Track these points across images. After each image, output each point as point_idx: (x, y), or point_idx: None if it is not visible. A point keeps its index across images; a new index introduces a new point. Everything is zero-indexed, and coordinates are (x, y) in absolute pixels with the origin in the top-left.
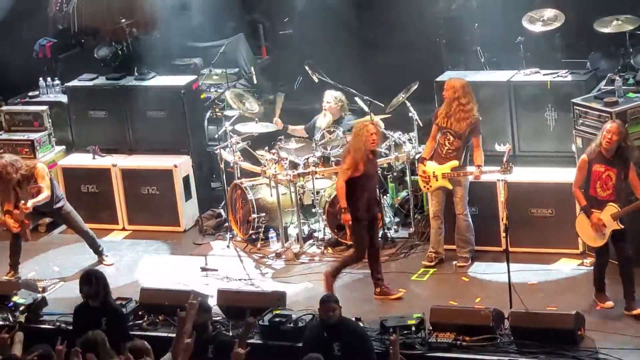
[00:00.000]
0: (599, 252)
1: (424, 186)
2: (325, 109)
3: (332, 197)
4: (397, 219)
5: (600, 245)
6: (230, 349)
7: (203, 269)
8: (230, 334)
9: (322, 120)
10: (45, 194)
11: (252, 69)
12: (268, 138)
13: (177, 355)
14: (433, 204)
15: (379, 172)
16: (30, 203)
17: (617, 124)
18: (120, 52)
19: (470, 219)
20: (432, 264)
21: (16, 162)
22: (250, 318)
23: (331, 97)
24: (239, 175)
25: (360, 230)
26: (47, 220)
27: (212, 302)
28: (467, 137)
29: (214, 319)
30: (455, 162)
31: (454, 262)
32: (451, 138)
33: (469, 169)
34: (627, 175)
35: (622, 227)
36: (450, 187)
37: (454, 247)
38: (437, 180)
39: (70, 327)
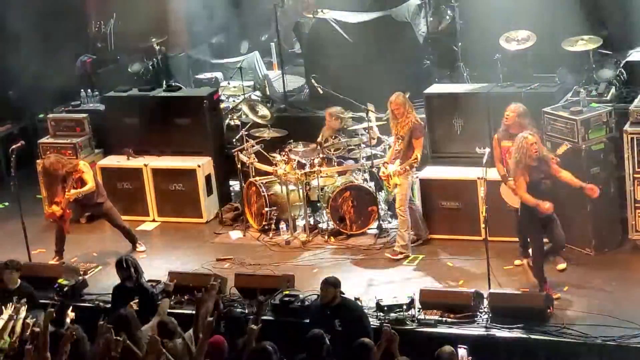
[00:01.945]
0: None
1: (387, 185)
2: (326, 124)
3: (334, 192)
4: (390, 212)
5: None
6: (239, 324)
7: (219, 260)
8: (246, 310)
9: (326, 132)
10: (89, 185)
11: (265, 82)
12: (279, 142)
13: (199, 332)
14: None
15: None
16: (72, 191)
17: (514, 105)
18: (151, 67)
19: (407, 216)
20: (416, 244)
21: (61, 159)
22: (261, 297)
23: (329, 114)
24: (253, 174)
25: (532, 228)
26: (87, 214)
27: (230, 284)
28: (409, 138)
29: (232, 298)
30: (398, 161)
31: (386, 254)
32: (399, 141)
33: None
34: None
35: None
36: (399, 182)
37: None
38: (391, 178)
39: (108, 305)
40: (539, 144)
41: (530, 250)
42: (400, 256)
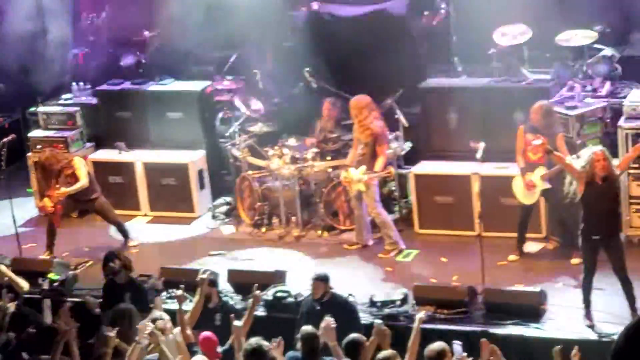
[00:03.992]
0: (524, 209)
1: (348, 189)
2: (325, 115)
3: (328, 187)
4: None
5: (532, 203)
6: (234, 317)
7: (211, 255)
8: (238, 306)
9: (325, 123)
10: (82, 182)
11: (258, 75)
12: (272, 136)
13: (185, 328)
14: (353, 203)
15: None
16: (63, 189)
17: (537, 104)
18: (143, 60)
19: (383, 217)
20: (353, 247)
21: (57, 154)
22: (257, 292)
23: (329, 103)
24: (246, 169)
25: (585, 248)
26: (80, 209)
27: (223, 279)
28: (372, 145)
29: (224, 293)
30: (363, 167)
31: (379, 255)
32: (362, 146)
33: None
34: (555, 143)
35: (551, 186)
36: (364, 189)
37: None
38: (354, 184)
39: (99, 301)
40: (607, 163)
41: (524, 247)
42: (392, 253)
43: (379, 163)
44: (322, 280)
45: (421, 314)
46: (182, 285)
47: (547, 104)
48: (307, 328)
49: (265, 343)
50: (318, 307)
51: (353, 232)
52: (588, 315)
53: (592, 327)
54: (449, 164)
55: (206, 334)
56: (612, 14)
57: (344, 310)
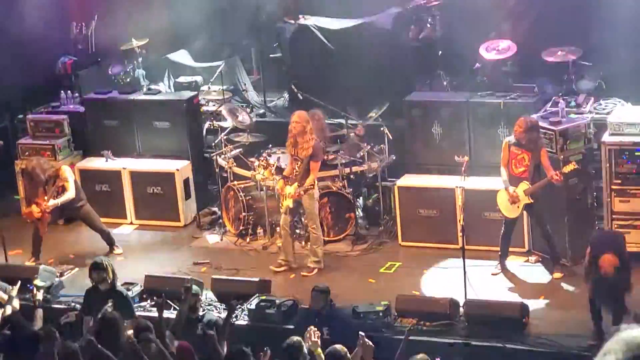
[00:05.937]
0: (507, 223)
1: (280, 204)
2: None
3: None
4: (368, 219)
5: (514, 216)
6: (215, 326)
7: (195, 264)
8: (222, 315)
9: None
10: (69, 194)
11: (246, 86)
12: (258, 146)
13: (164, 336)
14: (283, 219)
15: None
16: (51, 202)
17: (521, 119)
18: (131, 70)
19: (319, 233)
20: (280, 269)
21: (45, 163)
22: (234, 301)
23: (311, 116)
24: (231, 179)
25: (586, 261)
26: (65, 216)
27: (207, 288)
28: (307, 161)
29: (209, 302)
30: (296, 184)
31: (302, 273)
32: (299, 162)
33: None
34: (539, 158)
35: (532, 201)
36: (291, 206)
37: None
38: (285, 199)
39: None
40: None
41: (506, 261)
42: (314, 272)
43: (310, 179)
44: (323, 292)
45: (408, 326)
46: (163, 294)
47: (531, 118)
48: (292, 338)
49: (248, 352)
50: (316, 319)
51: (282, 250)
52: (596, 332)
53: (593, 346)
54: (433, 177)
55: (183, 343)
56: (597, 31)
57: (342, 323)
